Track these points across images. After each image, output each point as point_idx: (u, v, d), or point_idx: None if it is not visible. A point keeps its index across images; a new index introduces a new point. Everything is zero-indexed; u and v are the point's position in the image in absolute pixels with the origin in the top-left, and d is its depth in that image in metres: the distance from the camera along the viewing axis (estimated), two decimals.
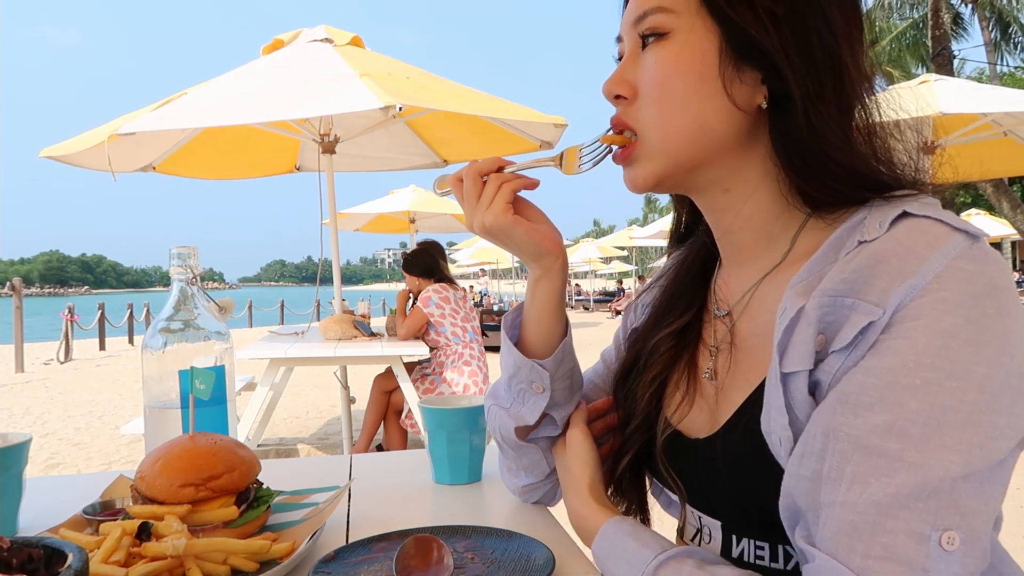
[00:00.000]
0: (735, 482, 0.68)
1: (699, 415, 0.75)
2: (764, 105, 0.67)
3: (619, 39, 0.75)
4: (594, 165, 0.76)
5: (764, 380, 0.66)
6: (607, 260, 30.29)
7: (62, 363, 11.67)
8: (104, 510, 0.83)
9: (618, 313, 19.32)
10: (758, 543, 0.69)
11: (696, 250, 0.85)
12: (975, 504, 0.53)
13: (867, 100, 0.67)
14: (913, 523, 0.52)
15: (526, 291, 0.83)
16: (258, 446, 4.64)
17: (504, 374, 0.85)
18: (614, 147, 0.74)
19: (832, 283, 0.59)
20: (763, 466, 0.63)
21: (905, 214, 0.59)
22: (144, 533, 0.70)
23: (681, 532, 0.81)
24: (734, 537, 0.71)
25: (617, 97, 0.72)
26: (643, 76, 0.70)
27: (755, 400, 0.67)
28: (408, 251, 4.75)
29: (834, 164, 0.65)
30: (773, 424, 0.61)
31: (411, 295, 4.62)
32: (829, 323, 0.59)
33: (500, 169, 0.77)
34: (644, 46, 0.70)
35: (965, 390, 0.53)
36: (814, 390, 0.60)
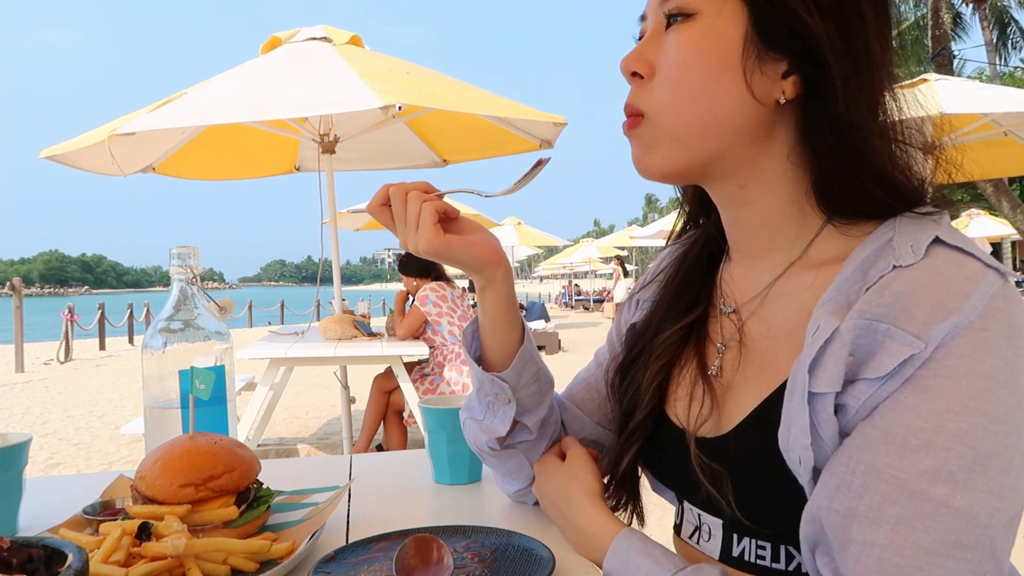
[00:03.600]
0: (744, 485, 0.68)
1: (703, 413, 0.74)
2: (783, 100, 0.66)
3: (642, 17, 0.73)
4: (516, 187, 0.76)
5: (779, 387, 0.65)
6: (607, 260, 30.28)
7: (62, 363, 11.66)
8: (104, 510, 0.83)
9: None
10: (760, 543, 0.69)
11: (701, 243, 0.84)
12: (1006, 545, 0.55)
13: (891, 98, 0.67)
14: (957, 572, 0.53)
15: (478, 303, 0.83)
16: (258, 446, 4.63)
17: (472, 387, 0.86)
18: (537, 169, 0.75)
19: (869, 306, 0.58)
20: (774, 472, 0.63)
21: (938, 240, 0.59)
22: (144, 533, 0.70)
23: (678, 529, 0.81)
24: (735, 536, 0.71)
25: (634, 75, 0.70)
26: (664, 56, 0.68)
27: (769, 406, 0.66)
28: (404, 252, 4.74)
29: (863, 158, 0.64)
30: (793, 443, 0.61)
31: (409, 295, 4.62)
32: (860, 346, 0.58)
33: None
34: (668, 25, 0.68)
35: (1008, 434, 0.55)
36: (837, 411, 0.59)
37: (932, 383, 0.55)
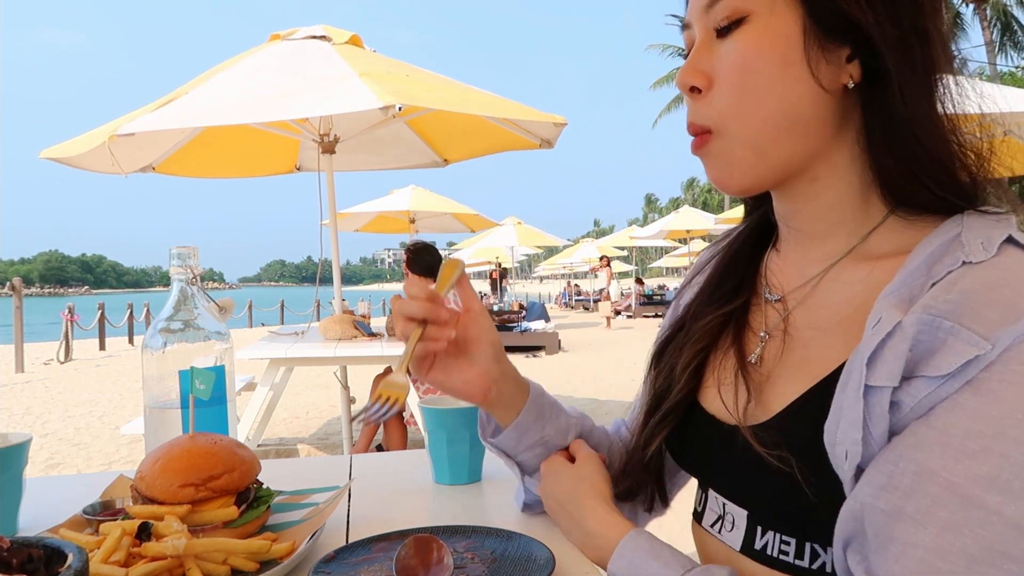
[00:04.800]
0: (777, 476, 0.65)
1: (740, 401, 0.71)
2: (851, 84, 0.64)
3: (685, 26, 0.70)
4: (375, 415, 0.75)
5: (823, 379, 0.64)
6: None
7: (62, 363, 11.67)
8: (104, 510, 0.83)
9: (618, 313, 19.29)
10: (784, 537, 0.67)
11: (747, 232, 0.83)
12: None
13: (951, 85, 0.65)
14: None
15: None
16: (258, 446, 4.63)
17: None
18: (388, 405, 0.75)
19: (936, 301, 0.56)
20: (811, 465, 0.62)
21: (1011, 240, 0.58)
22: (144, 533, 0.70)
23: (698, 516, 0.79)
24: (759, 528, 0.69)
25: (692, 89, 0.67)
26: (720, 63, 0.66)
27: (811, 398, 0.64)
28: (410, 246, 4.69)
29: (923, 146, 0.63)
30: (842, 436, 0.59)
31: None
32: (920, 342, 0.56)
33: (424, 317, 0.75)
34: (720, 32, 0.66)
35: None
36: (890, 408, 0.57)
37: (995, 387, 0.53)
